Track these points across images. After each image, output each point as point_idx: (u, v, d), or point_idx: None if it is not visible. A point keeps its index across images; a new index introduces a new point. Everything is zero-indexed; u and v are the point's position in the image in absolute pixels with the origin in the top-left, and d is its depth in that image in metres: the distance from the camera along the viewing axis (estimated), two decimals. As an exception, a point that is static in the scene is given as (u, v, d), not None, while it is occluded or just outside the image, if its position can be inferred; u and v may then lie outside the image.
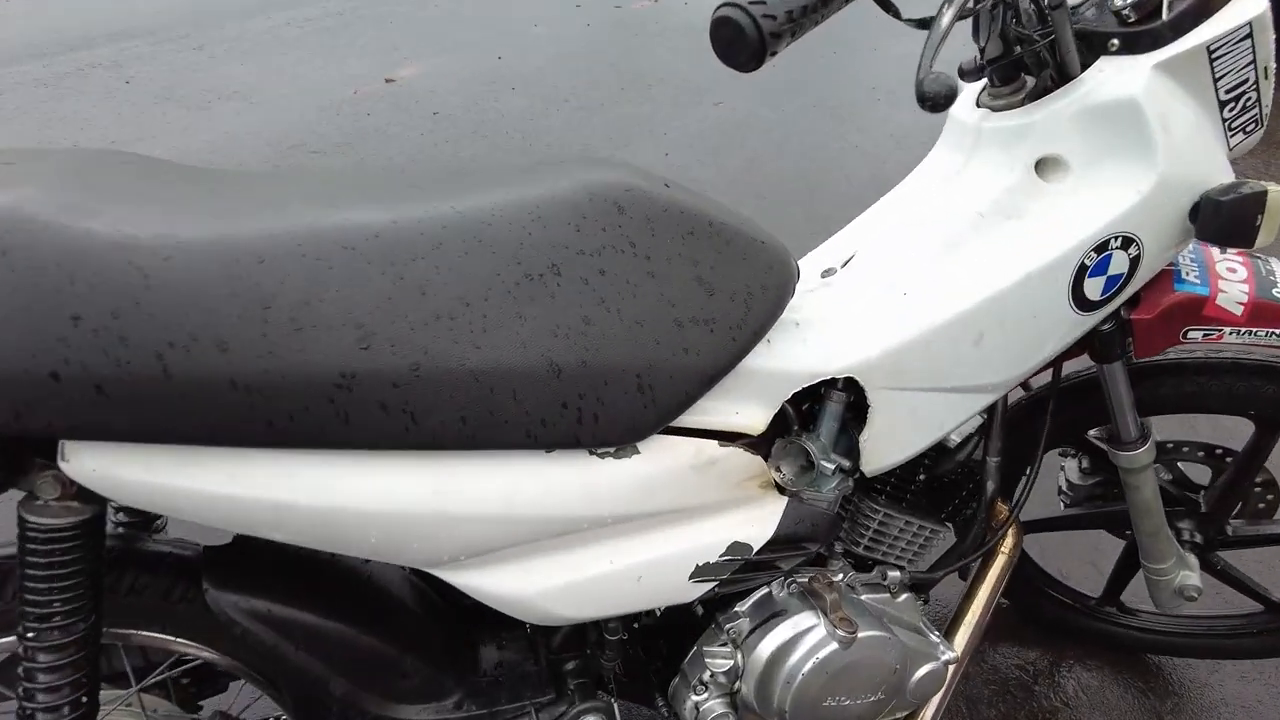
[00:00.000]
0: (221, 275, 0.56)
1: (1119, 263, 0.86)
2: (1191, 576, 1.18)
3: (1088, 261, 0.84)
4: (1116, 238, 0.84)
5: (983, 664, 1.45)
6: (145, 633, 0.78)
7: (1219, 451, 1.21)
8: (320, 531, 0.65)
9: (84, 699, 0.69)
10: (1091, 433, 1.21)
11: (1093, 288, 0.86)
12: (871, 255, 0.90)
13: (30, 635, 0.65)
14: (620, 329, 0.68)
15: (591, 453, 0.71)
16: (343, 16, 4.30)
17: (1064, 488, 1.32)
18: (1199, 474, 1.25)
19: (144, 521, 0.78)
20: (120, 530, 0.77)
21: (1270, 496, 1.22)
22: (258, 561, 0.79)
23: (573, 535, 0.74)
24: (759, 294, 0.76)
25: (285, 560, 0.81)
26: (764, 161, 3.03)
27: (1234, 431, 1.24)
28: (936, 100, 0.71)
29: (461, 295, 0.63)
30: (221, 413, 0.57)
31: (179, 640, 0.80)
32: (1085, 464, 1.29)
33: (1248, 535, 1.23)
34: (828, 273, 0.91)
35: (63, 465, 0.58)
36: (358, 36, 4.07)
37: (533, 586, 0.75)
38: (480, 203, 0.67)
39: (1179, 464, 1.24)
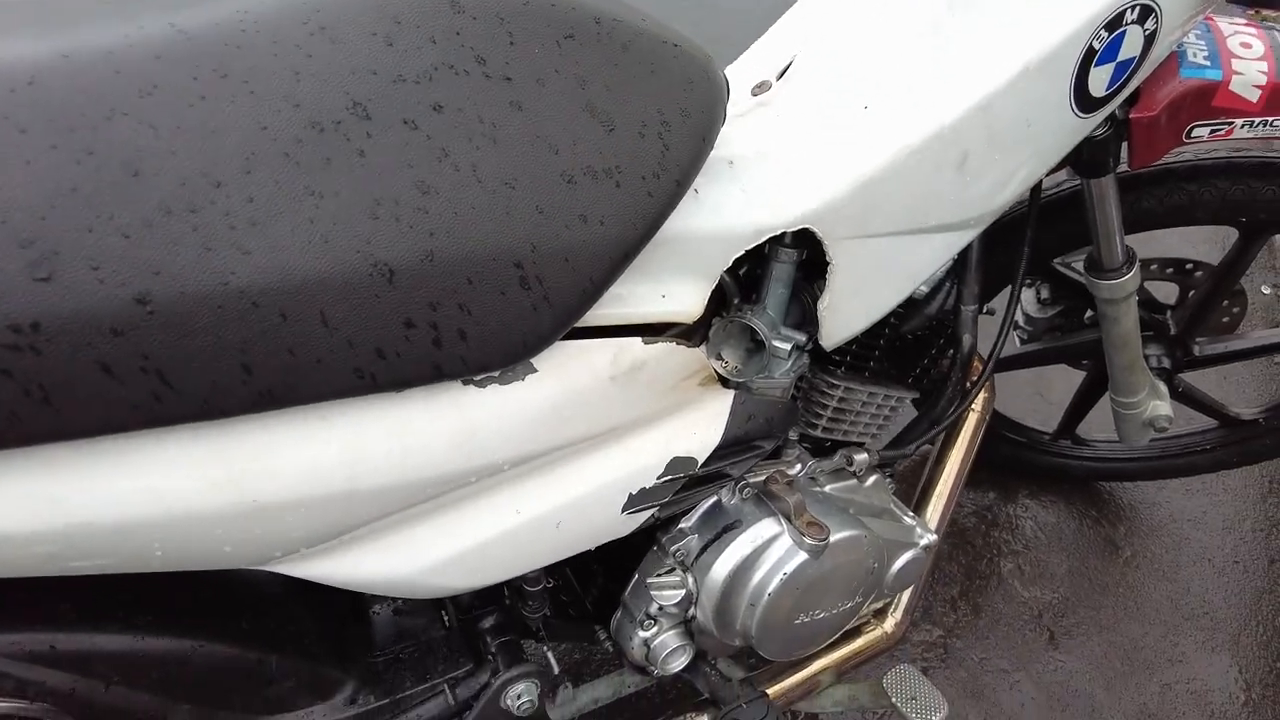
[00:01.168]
0: None
1: (1133, 42, 0.66)
2: (1163, 407, 1.08)
3: (1097, 44, 0.64)
4: (1133, 7, 0.64)
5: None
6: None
7: (1190, 266, 1.09)
8: (71, 561, 0.43)
9: None
10: (1057, 260, 1.06)
11: (1099, 79, 0.67)
12: (816, 59, 0.67)
13: None
14: (479, 195, 0.45)
15: (466, 382, 0.50)
16: None
17: (1022, 322, 1.20)
18: (1165, 293, 1.14)
19: None
20: None
21: (1236, 309, 1.13)
22: (13, 589, 0.56)
23: (459, 491, 0.54)
24: (679, 123, 0.53)
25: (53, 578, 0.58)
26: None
27: (1195, 243, 1.12)
28: None
29: (205, 169, 0.38)
30: None
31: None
32: (1044, 294, 1.16)
33: (1214, 354, 1.14)
34: (761, 87, 0.68)
35: None
36: None
37: (413, 562, 0.56)
38: (217, 13, 0.41)
39: (1145, 283, 1.12)
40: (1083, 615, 1.27)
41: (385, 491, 0.49)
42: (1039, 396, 1.46)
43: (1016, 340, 1.22)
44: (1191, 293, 1.09)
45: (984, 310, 1.03)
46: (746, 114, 0.67)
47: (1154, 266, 1.09)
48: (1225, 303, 1.11)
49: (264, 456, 0.44)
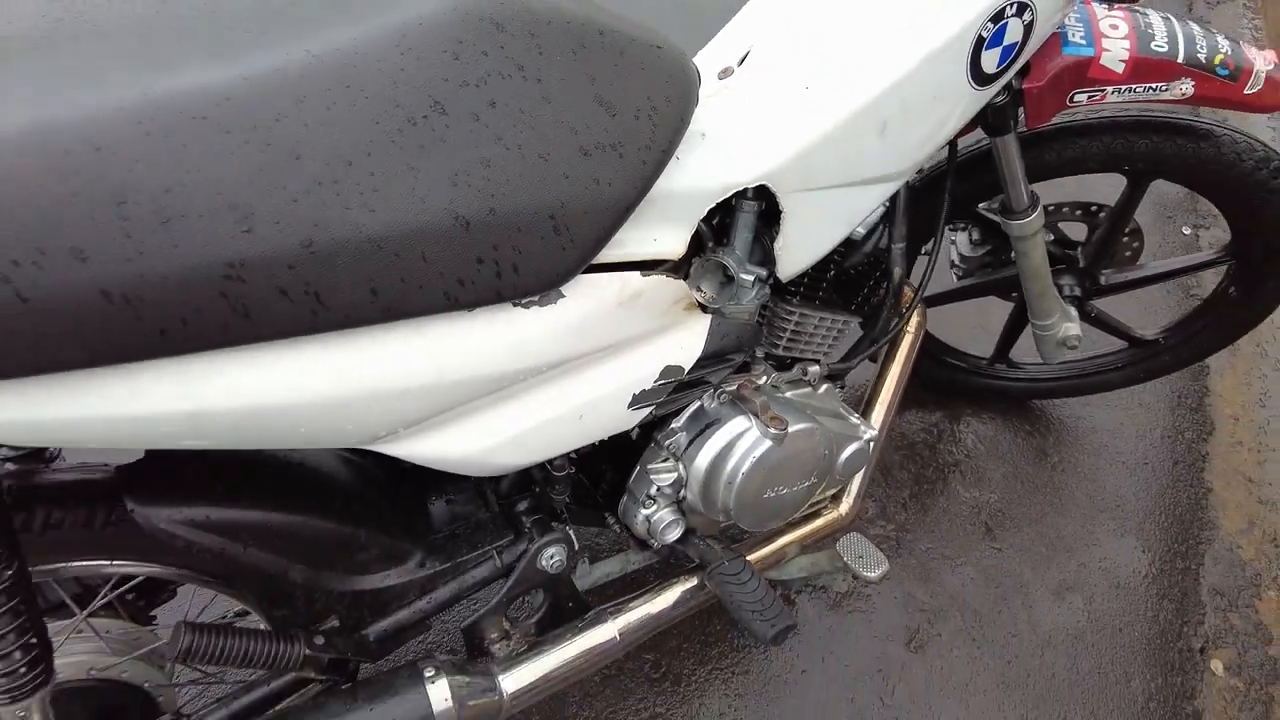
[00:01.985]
0: (54, 172, 0.47)
1: (1014, 31, 0.85)
2: (1073, 327, 1.29)
3: (984, 33, 0.83)
4: (1012, 4, 0.82)
5: (892, 433, 1.58)
6: (77, 563, 0.74)
7: (1094, 208, 1.28)
8: (245, 433, 0.61)
9: (33, 640, 0.66)
10: (981, 206, 1.25)
11: (989, 60, 0.85)
12: (768, 49, 0.85)
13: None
14: (524, 167, 0.63)
15: (515, 304, 0.68)
16: None
17: (956, 261, 1.39)
18: (1076, 233, 1.33)
19: (33, 453, 0.72)
20: (10, 468, 0.70)
21: (1136, 244, 1.32)
22: (180, 470, 0.75)
23: (511, 389, 0.72)
24: (663, 107, 0.71)
25: (208, 463, 0.77)
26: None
27: (1100, 190, 1.31)
28: None
29: (341, 154, 0.56)
30: (102, 329, 0.50)
31: (115, 562, 0.76)
32: (975, 236, 1.35)
33: (1118, 282, 1.34)
34: (725, 73, 0.86)
35: (-78, 413, 0.51)
36: None
37: (477, 444, 0.74)
38: (337, 40, 0.58)
39: (1059, 224, 1.32)
40: (1015, 512, 1.49)
41: (459, 385, 0.67)
42: (980, 328, 1.66)
43: (954, 277, 1.41)
44: (1096, 231, 1.29)
45: (921, 251, 1.23)
46: (715, 95, 0.84)
47: (1065, 209, 1.29)
48: (1126, 239, 1.31)
49: (378, 356, 0.62)
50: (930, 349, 1.54)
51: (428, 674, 0.82)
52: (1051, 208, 1.28)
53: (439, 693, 0.81)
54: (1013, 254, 1.22)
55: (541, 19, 0.65)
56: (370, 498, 0.85)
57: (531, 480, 0.94)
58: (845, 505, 1.10)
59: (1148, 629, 1.38)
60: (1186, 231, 1.92)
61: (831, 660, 1.26)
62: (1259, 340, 1.92)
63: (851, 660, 1.27)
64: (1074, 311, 1.30)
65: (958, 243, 1.38)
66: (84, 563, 0.74)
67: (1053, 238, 1.32)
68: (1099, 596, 1.40)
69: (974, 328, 1.67)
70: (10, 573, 0.62)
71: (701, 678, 1.23)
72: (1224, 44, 1.00)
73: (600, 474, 1.02)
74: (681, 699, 1.20)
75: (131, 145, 0.49)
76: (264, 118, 0.54)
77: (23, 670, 0.66)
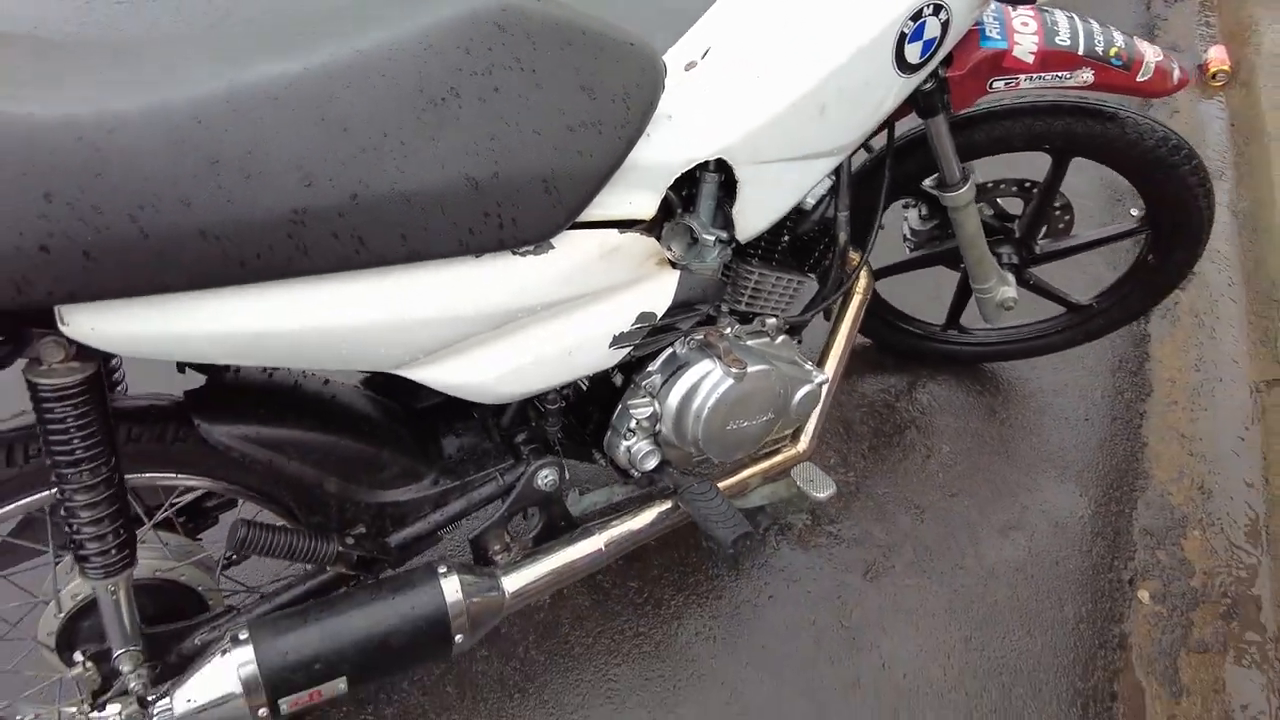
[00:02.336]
0: (166, 140, 0.63)
1: (932, 27, 1.00)
2: (1009, 291, 1.45)
3: (905, 29, 0.98)
4: (929, 5, 0.98)
5: (854, 394, 1.74)
6: (150, 474, 0.89)
7: (1028, 184, 1.44)
8: (299, 351, 0.76)
9: (122, 530, 0.81)
10: (925, 183, 1.41)
11: (912, 52, 1.01)
12: (725, 46, 1.00)
13: (66, 485, 0.76)
14: (522, 140, 0.78)
15: (514, 253, 0.84)
16: None
17: (908, 235, 1.55)
18: (1014, 207, 1.49)
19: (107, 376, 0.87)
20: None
21: (1067, 217, 1.48)
22: (235, 395, 0.90)
23: (511, 325, 0.88)
24: (636, 93, 0.86)
25: (259, 391, 0.92)
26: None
27: (1036, 167, 1.47)
28: None
29: (379, 128, 0.71)
30: (198, 260, 0.65)
31: (180, 476, 0.92)
32: (923, 211, 1.51)
33: (1052, 251, 1.50)
34: (689, 66, 1.02)
35: (63, 329, 0.66)
36: None
37: (483, 373, 0.90)
38: (376, 40, 0.73)
39: (998, 200, 1.48)
40: (965, 462, 1.65)
41: (469, 319, 0.83)
42: (935, 299, 1.82)
43: (907, 249, 1.57)
44: (1029, 204, 1.44)
45: (879, 227, 1.39)
46: (680, 84, 1.00)
47: (1001, 185, 1.44)
48: (1057, 212, 1.47)
49: (407, 290, 0.78)
50: (889, 316, 1.70)
51: (441, 571, 0.97)
52: (990, 184, 1.43)
53: (451, 586, 0.97)
54: (954, 226, 1.38)
55: (535, 22, 0.81)
56: (393, 427, 1.01)
57: (528, 415, 1.09)
58: (803, 442, 1.26)
59: (1082, 562, 1.54)
60: (1135, 213, 2.10)
61: (796, 588, 1.42)
62: (1197, 312, 2.08)
63: (814, 588, 1.43)
64: (1010, 277, 1.46)
65: (909, 219, 1.53)
66: (156, 474, 0.89)
67: (992, 211, 1.48)
68: (1039, 535, 1.56)
69: (930, 298, 1.83)
70: (109, 469, 0.77)
71: (680, 602, 1.39)
72: (1119, 38, 1.16)
73: (589, 416, 1.18)
74: (662, 620, 1.36)
75: (222, 119, 0.65)
76: (320, 99, 0.70)
77: (114, 551, 0.81)
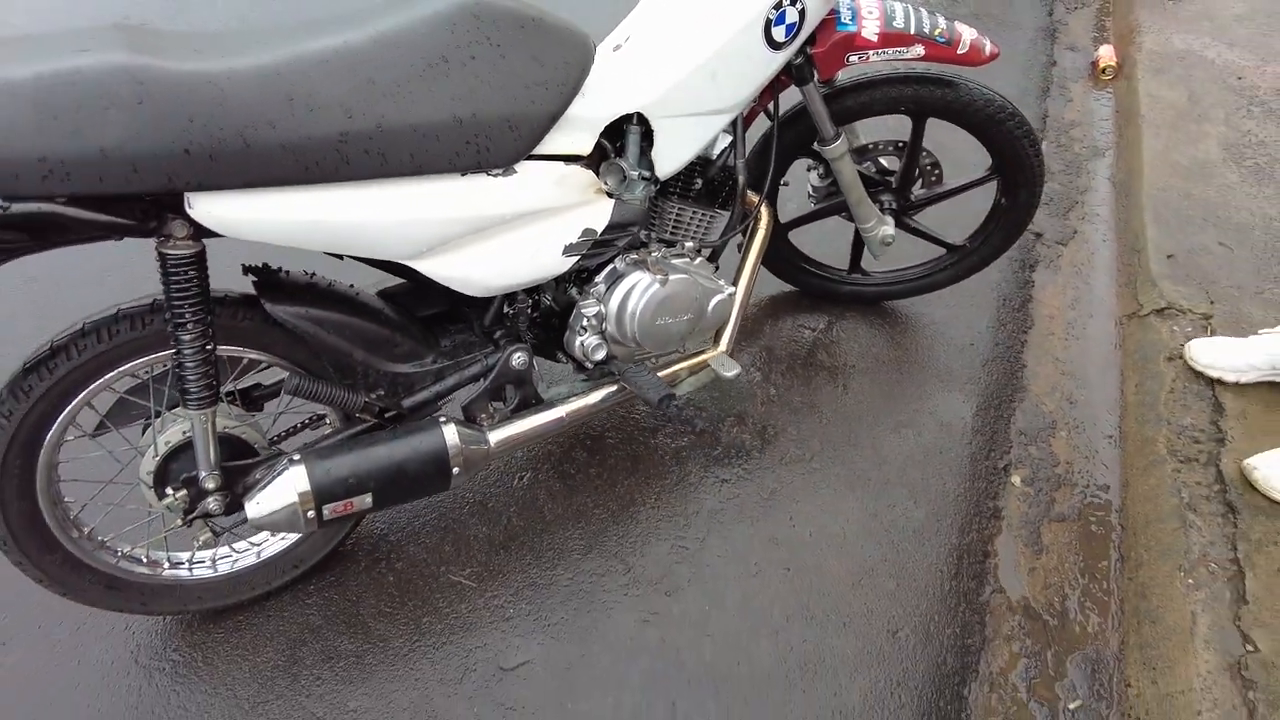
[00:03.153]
0: (260, 85, 0.97)
1: (791, 15, 1.37)
2: (888, 230, 1.81)
3: (770, 16, 1.35)
4: (787, -1, 1.35)
5: (776, 327, 2.10)
6: (223, 346, 1.22)
7: (900, 144, 1.81)
8: (341, 238, 1.10)
9: (213, 375, 1.15)
10: (815, 144, 1.77)
11: (778, 33, 1.37)
12: (642, 34, 1.36)
13: (180, 334, 1.09)
14: (491, 92, 1.13)
15: (488, 174, 1.18)
16: None
17: (811, 192, 1.91)
18: (893, 164, 1.86)
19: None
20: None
21: (937, 171, 1.85)
22: (286, 285, 1.24)
23: (488, 230, 1.23)
24: (571, 63, 1.22)
25: (303, 287, 1.26)
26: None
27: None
28: None
29: (395, 81, 1.06)
30: (278, 165, 1.00)
31: (245, 350, 1.25)
32: (821, 172, 1.87)
33: (925, 197, 1.87)
34: (617, 48, 1.37)
35: (189, 211, 1.00)
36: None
37: (469, 268, 1.24)
38: (389, 24, 1.08)
39: (879, 159, 1.84)
40: (867, 378, 2.01)
41: (457, 221, 1.17)
42: (844, 253, 2.18)
43: (811, 204, 1.93)
44: (902, 159, 1.81)
45: (783, 183, 1.74)
46: (611, 61, 1.35)
47: (880, 146, 1.81)
48: (929, 167, 1.84)
49: (412, 197, 1.12)
50: (804, 264, 2.06)
51: (442, 420, 1.31)
52: (870, 145, 1.80)
53: (450, 432, 1.31)
54: (835, 177, 1.74)
55: (500, 12, 1.16)
56: (402, 321, 1.35)
57: (503, 317, 1.44)
58: (722, 344, 1.61)
59: (964, 453, 1.89)
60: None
61: (726, 469, 1.76)
62: (1076, 263, 2.46)
63: (741, 470, 1.77)
64: (889, 219, 1.82)
65: (810, 178, 1.90)
66: (228, 347, 1.23)
67: (875, 168, 1.84)
68: (927, 432, 1.91)
69: (841, 247, 2.19)
70: (208, 325, 1.11)
71: (632, 484, 1.72)
72: (942, 22, 1.53)
73: (552, 325, 1.52)
74: (617, 496, 1.70)
75: (295, 74, 1.00)
76: (354, 62, 1.05)
77: (208, 389, 1.15)
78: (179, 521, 1.26)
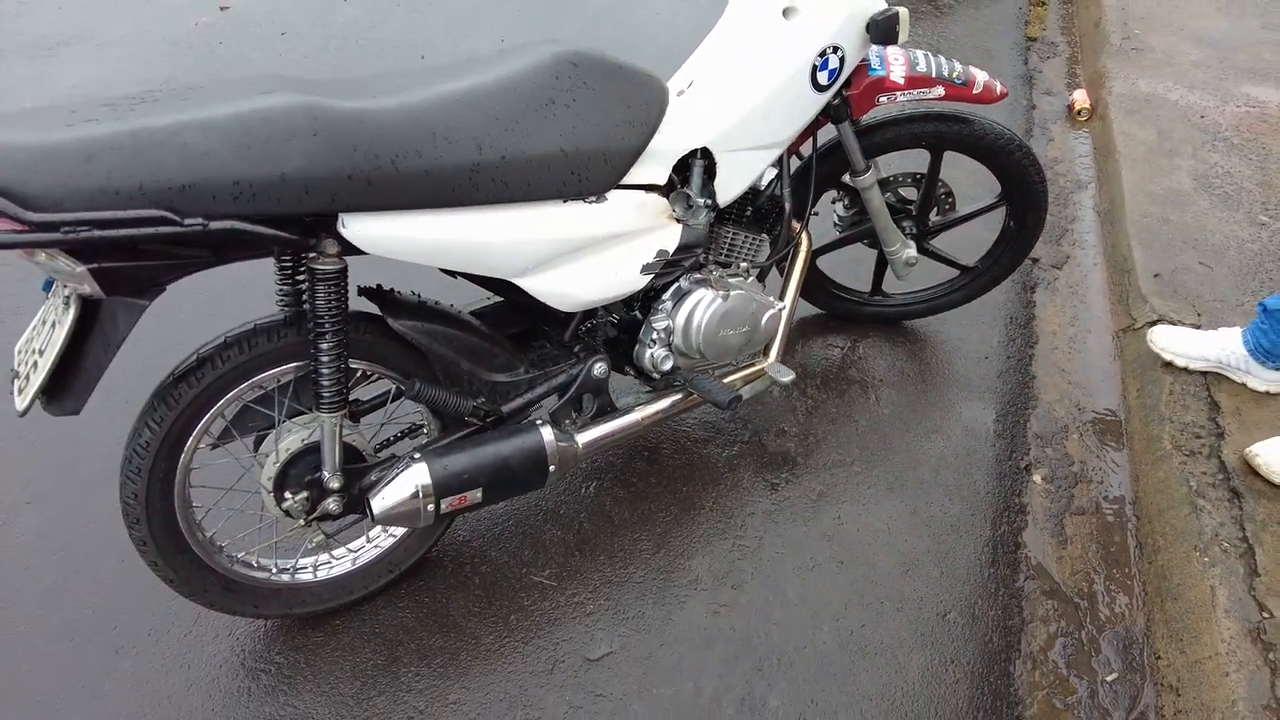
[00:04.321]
0: (409, 120, 1.13)
1: (833, 62, 1.57)
2: (911, 252, 2.00)
3: (816, 63, 1.54)
4: (830, 48, 1.54)
5: (809, 347, 2.26)
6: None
7: (919, 176, 2.01)
8: (466, 256, 1.25)
9: (344, 381, 1.28)
10: (844, 177, 1.96)
11: (823, 78, 1.57)
12: (705, 79, 1.54)
13: (320, 342, 1.23)
14: (590, 130, 1.30)
15: (585, 201, 1.35)
16: (136, -55, 4.25)
17: (837, 221, 2.10)
18: (910, 195, 2.05)
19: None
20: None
21: (951, 199, 2.05)
22: (403, 304, 1.38)
23: (581, 250, 1.38)
24: (653, 105, 1.39)
25: (415, 305, 1.40)
26: (596, 28, 3.56)
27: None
28: None
29: (515, 119, 1.23)
30: (420, 190, 1.15)
31: (364, 362, 1.38)
32: (846, 203, 2.06)
33: (941, 223, 2.06)
34: (681, 93, 1.56)
35: (341, 231, 1.15)
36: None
37: (564, 285, 1.39)
38: (506, 70, 1.25)
39: (899, 190, 2.04)
40: (893, 389, 2.17)
41: (560, 241, 1.33)
42: (865, 278, 2.36)
43: (837, 232, 2.12)
44: (920, 189, 2.00)
45: (813, 212, 1.93)
46: (676, 105, 1.54)
47: (901, 178, 2.00)
48: (942, 195, 2.03)
49: (525, 220, 1.27)
50: (831, 288, 2.23)
51: (539, 422, 1.45)
52: (892, 178, 2.00)
53: (547, 432, 1.44)
54: (865, 205, 1.93)
55: (593, 61, 1.34)
56: (496, 336, 1.49)
57: (580, 334, 1.58)
58: (772, 354, 1.77)
59: (989, 454, 2.04)
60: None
61: (772, 475, 1.90)
62: (1072, 285, 2.66)
63: (788, 475, 1.90)
64: (911, 243, 2.01)
65: (837, 208, 2.09)
66: (351, 360, 1.36)
67: (895, 198, 2.03)
68: (955, 436, 2.07)
69: (864, 273, 2.38)
70: (343, 334, 1.25)
71: (692, 489, 1.85)
72: (958, 65, 1.74)
73: (620, 344, 1.67)
74: (679, 500, 1.83)
75: (435, 110, 1.16)
76: (483, 102, 1.21)
77: (339, 393, 1.28)
78: (300, 522, 1.37)
